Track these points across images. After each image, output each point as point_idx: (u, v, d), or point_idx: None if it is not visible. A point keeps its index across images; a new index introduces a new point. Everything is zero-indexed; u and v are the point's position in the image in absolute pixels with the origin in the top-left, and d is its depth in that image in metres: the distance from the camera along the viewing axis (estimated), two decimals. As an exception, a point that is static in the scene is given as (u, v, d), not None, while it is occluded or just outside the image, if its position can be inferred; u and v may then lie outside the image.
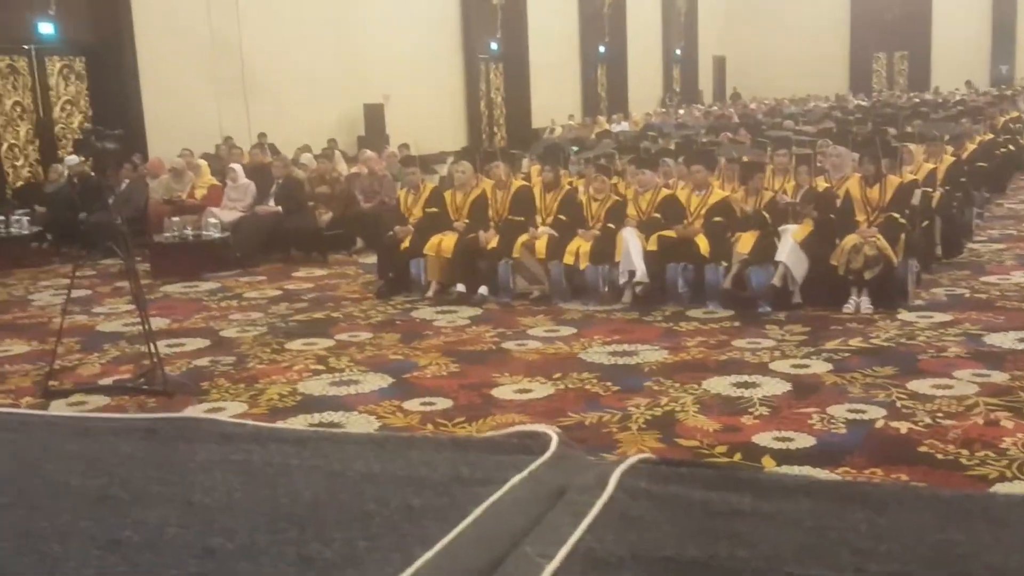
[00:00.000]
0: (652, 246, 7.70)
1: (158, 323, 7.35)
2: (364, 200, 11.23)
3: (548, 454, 1.19)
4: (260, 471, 1.23)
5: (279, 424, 5.10)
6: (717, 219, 7.77)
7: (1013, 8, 30.44)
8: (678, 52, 30.64)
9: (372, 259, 9.52)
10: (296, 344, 6.85)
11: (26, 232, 10.93)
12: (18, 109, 13.92)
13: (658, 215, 7.99)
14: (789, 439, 4.62)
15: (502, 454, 1.22)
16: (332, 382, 5.88)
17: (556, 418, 5.04)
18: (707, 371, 5.81)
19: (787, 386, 5.46)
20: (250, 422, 1.31)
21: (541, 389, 5.59)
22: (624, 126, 20.79)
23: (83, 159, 11.50)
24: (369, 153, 13.46)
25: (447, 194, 8.86)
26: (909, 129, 11.82)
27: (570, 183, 9.10)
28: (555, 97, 23.17)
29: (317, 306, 8.19)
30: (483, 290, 8.13)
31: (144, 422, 1.51)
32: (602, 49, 26.28)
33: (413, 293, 8.40)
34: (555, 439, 1.24)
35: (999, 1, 30.53)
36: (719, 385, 5.52)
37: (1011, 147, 14.52)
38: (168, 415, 1.41)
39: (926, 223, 8.18)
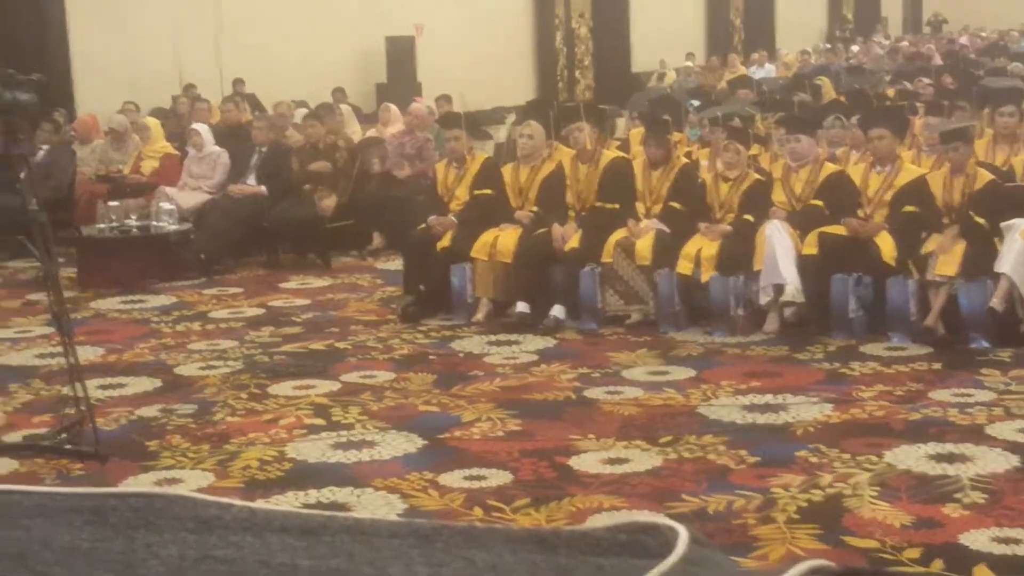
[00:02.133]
0: (810, 248, 7.65)
1: (87, 354, 7.48)
2: (391, 169, 11.31)
3: (674, 558, 1.19)
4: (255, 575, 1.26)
5: (273, 505, 5.17)
6: (909, 209, 7.70)
7: None
8: (851, -40, 30.45)
9: (396, 264, 9.59)
10: (284, 388, 6.92)
11: (-99, 221, 11.20)
12: None
13: (819, 202, 7.95)
14: (1015, 540, 4.56)
15: (606, 556, 1.21)
16: (336, 443, 5.93)
17: (664, 502, 5.03)
18: (891, 436, 5.75)
19: (1013, 461, 5.38)
20: (238, 502, 1.34)
21: (642, 459, 5.57)
22: (770, 70, 20.69)
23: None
24: (392, 108, 13.61)
25: (506, 169, 8.90)
26: None
27: (688, 154, 9.08)
28: (666, 27, 23.14)
29: (315, 332, 8.27)
30: (557, 311, 8.14)
31: (87, 499, 1.54)
32: (737, -44, 26.23)
33: (455, 315, 8.44)
34: (683, 536, 1.24)
35: None
36: (909, 457, 5.45)
37: None
38: (121, 490, 1.44)
39: None
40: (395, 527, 1.27)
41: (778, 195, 8.10)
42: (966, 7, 30.66)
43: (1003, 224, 7.38)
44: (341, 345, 7.89)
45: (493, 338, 7.90)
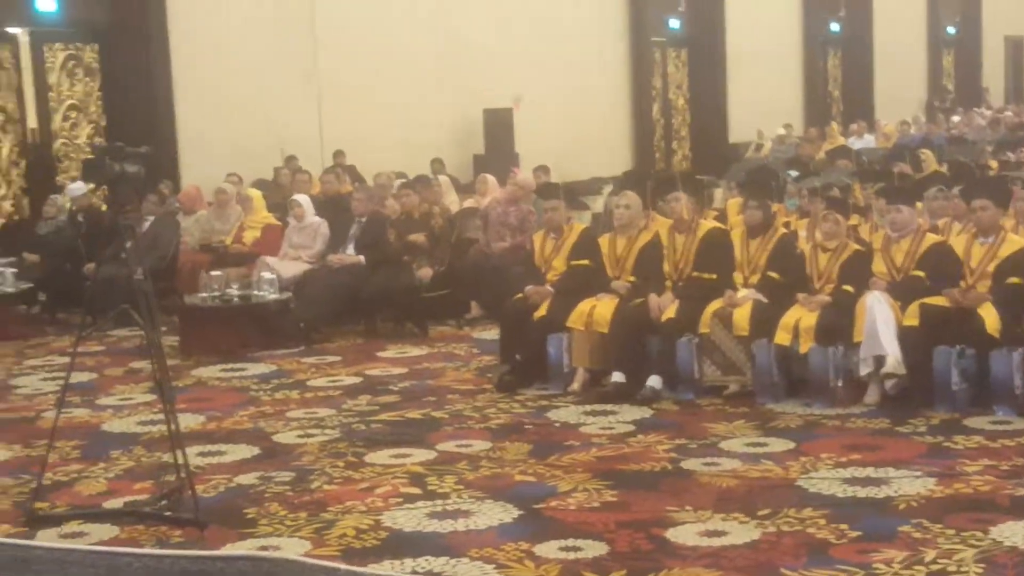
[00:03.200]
0: (912, 320, 7.56)
1: (188, 421, 7.60)
2: (491, 239, 11.36)
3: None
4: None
5: (376, 570, 5.21)
6: (1013, 280, 7.59)
7: None
8: (951, 31, 30.20)
9: (493, 333, 9.63)
10: (381, 456, 6.96)
11: (10, 290, 11.43)
12: (-1, 117, 14.71)
13: (921, 273, 7.86)
14: None
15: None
16: (432, 512, 5.94)
17: (763, 576, 4.97)
18: (997, 512, 5.65)
19: (1125, 539, 5.25)
20: (343, 566, 1.36)
21: (740, 532, 5.52)
22: (868, 140, 20.55)
23: (92, 188, 12.07)
24: (490, 179, 13.70)
25: (603, 240, 8.92)
26: None
27: (786, 224, 9.03)
28: (763, 97, 23.12)
29: (412, 401, 8.31)
30: (654, 381, 8.11)
31: (195, 562, 1.57)
32: (834, 28, 26.17)
33: (551, 384, 8.45)
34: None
35: None
36: (1016, 534, 5.35)
37: None
38: (228, 554, 1.47)
39: None
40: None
41: (878, 266, 8.03)
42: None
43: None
44: (437, 414, 7.92)
45: (589, 408, 7.89)
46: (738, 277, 8.37)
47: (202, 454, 7.02)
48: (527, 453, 6.93)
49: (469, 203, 13.25)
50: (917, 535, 5.39)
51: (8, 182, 14.71)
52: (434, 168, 16.06)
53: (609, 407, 7.88)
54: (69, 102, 15.00)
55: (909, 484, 6.11)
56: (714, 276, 8.36)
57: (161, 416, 6.13)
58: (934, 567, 5.02)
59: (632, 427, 7.42)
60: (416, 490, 6.29)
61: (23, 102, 14.81)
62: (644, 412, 7.75)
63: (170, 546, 5.53)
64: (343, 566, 5.24)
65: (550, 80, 19.09)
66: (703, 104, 22.88)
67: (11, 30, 14.72)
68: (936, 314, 7.56)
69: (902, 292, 7.75)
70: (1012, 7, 31.20)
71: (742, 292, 8.22)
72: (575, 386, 8.34)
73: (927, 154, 14.32)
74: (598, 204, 14.88)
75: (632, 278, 8.59)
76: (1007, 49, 32.45)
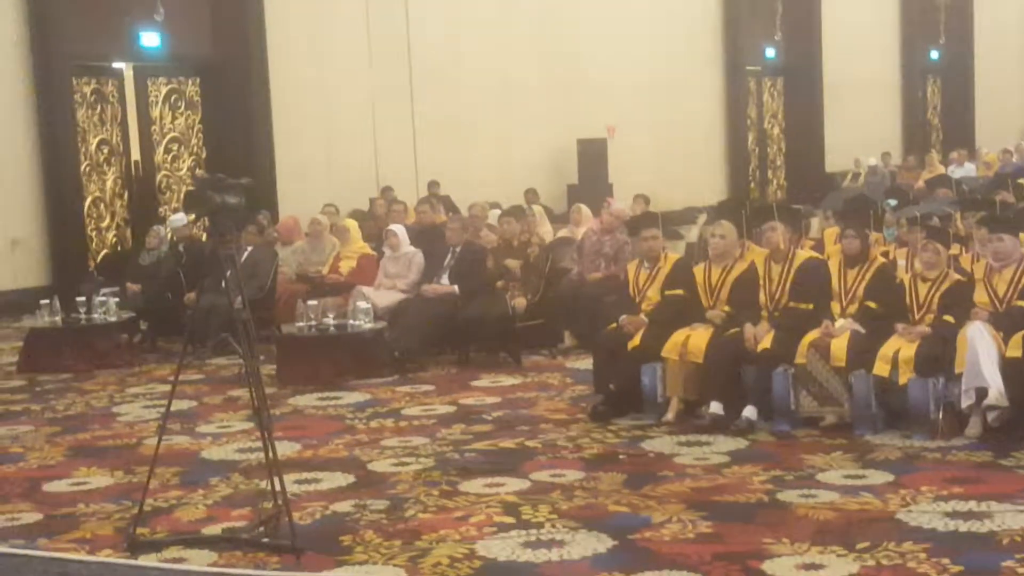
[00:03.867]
0: (1015, 351, 7.43)
1: (285, 449, 7.68)
2: (585, 269, 11.38)
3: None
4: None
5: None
6: (1120, 310, 7.42)
7: None
8: (1054, 56, 29.69)
9: (587, 363, 9.62)
10: (475, 485, 6.98)
11: (113, 319, 11.59)
12: (104, 150, 15.04)
13: None
14: None
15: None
16: (525, 542, 5.94)
17: (862, 611, 4.91)
18: (1104, 548, 5.53)
19: None
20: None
21: (838, 565, 5.46)
22: (969, 169, 20.24)
23: (193, 218, 12.28)
24: (584, 209, 13.71)
25: (698, 269, 8.89)
26: None
27: (885, 254, 8.92)
28: (862, 126, 22.93)
29: (506, 430, 8.33)
30: (750, 412, 8.05)
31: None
32: (934, 55, 25.89)
33: (645, 414, 8.42)
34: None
35: None
36: (1125, 571, 5.22)
37: None
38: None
39: None
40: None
41: (980, 296, 7.90)
42: None
43: None
44: (531, 443, 7.92)
45: (684, 438, 7.85)
46: (835, 307, 8.29)
47: (298, 481, 7.09)
48: (621, 483, 6.91)
49: (563, 233, 13.27)
50: (1021, 571, 5.29)
51: (112, 213, 15.05)
52: (528, 198, 16.12)
53: (704, 438, 7.83)
54: (171, 135, 15.34)
55: (1012, 518, 5.99)
56: (810, 306, 8.29)
57: (259, 444, 6.20)
58: (1039, 604, 4.93)
59: (727, 458, 7.37)
60: (510, 519, 6.30)
61: (127, 135, 15.17)
62: (739, 443, 7.69)
63: (269, 570, 5.59)
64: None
65: (644, 109, 19.12)
66: (798, 133, 22.74)
67: (116, 65, 15.08)
68: (1040, 345, 7.42)
69: (1005, 323, 7.62)
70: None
71: (839, 322, 8.13)
72: (669, 416, 8.30)
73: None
74: (692, 234, 14.82)
75: (727, 308, 8.54)
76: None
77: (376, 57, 16.22)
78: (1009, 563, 5.37)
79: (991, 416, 7.45)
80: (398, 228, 11.87)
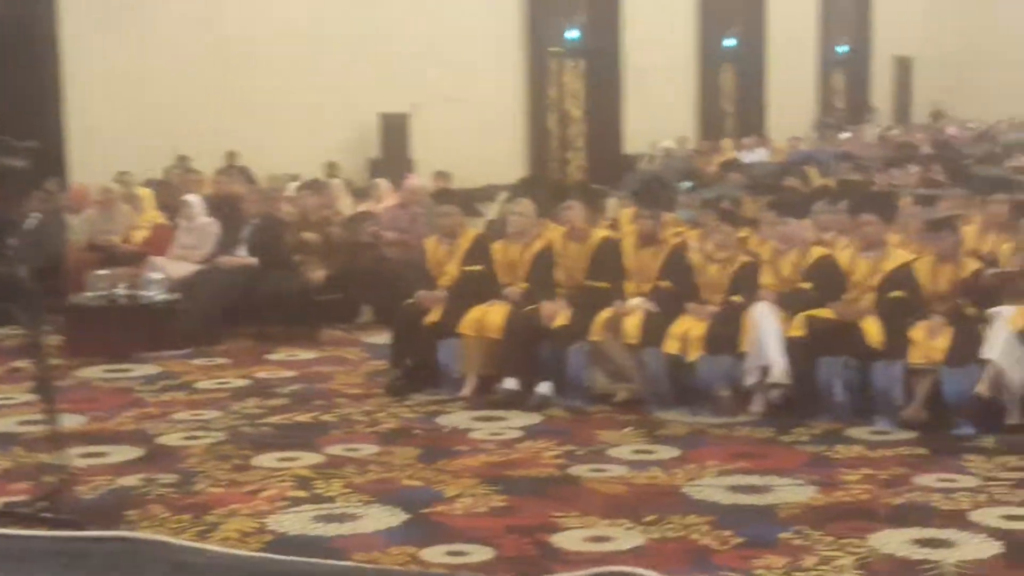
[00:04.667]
0: (797, 331, 7.68)
1: (71, 422, 7.45)
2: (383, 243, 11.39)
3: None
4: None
5: (258, 553, 5.18)
6: (896, 294, 7.74)
7: None
8: (841, 51, 30.74)
9: (385, 338, 9.60)
10: (268, 459, 6.90)
11: None
12: None
13: (807, 285, 7.98)
14: (999, 627, 4.53)
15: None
16: (318, 516, 5.90)
17: (647, 581, 5.00)
18: (875, 520, 5.75)
19: (996, 547, 5.37)
20: (212, 547, 1.35)
21: (626, 538, 5.56)
22: (760, 154, 20.83)
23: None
24: (384, 184, 13.67)
25: (496, 246, 8.95)
26: None
27: (678, 235, 9.11)
28: (659, 110, 23.33)
29: (301, 404, 8.25)
30: (545, 388, 8.15)
31: (69, 543, 1.56)
32: (730, 43, 26.49)
33: (442, 389, 8.45)
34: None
35: None
36: (893, 542, 5.45)
37: None
38: (99, 534, 1.46)
39: None
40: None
41: (767, 277, 8.14)
42: (955, 99, 30.95)
43: (989, 311, 7.41)
44: (326, 418, 7.88)
45: (479, 414, 7.89)
46: (629, 286, 8.44)
47: (84, 455, 6.89)
48: (415, 458, 6.92)
49: (363, 207, 13.21)
50: (798, 542, 5.46)
51: None
52: (328, 172, 15.98)
53: (499, 413, 7.90)
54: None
55: (791, 492, 6.20)
56: (606, 284, 8.42)
57: (42, 416, 6.00)
58: (813, 573, 5.10)
59: (521, 433, 7.44)
60: (302, 493, 6.25)
61: None
62: (534, 418, 7.77)
63: (48, 548, 5.44)
64: (212, 547, 5.23)
65: (447, 87, 19.10)
66: (599, 115, 23.01)
67: None
68: (821, 326, 7.68)
69: (789, 304, 7.86)
70: (901, 28, 31.86)
71: (633, 300, 8.28)
72: (466, 392, 8.35)
73: (813, 170, 14.59)
74: (493, 211, 14.90)
75: (525, 285, 8.62)
76: (896, 68, 33.11)
77: (175, 24, 15.82)
78: (786, 535, 5.55)
79: (774, 394, 7.69)
80: (193, 198, 11.65)
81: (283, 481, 6.47)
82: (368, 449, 7.11)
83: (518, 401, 8.08)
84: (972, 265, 7.74)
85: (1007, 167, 14.24)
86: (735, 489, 6.27)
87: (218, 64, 16.28)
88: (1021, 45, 31.67)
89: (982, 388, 7.17)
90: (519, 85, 21.37)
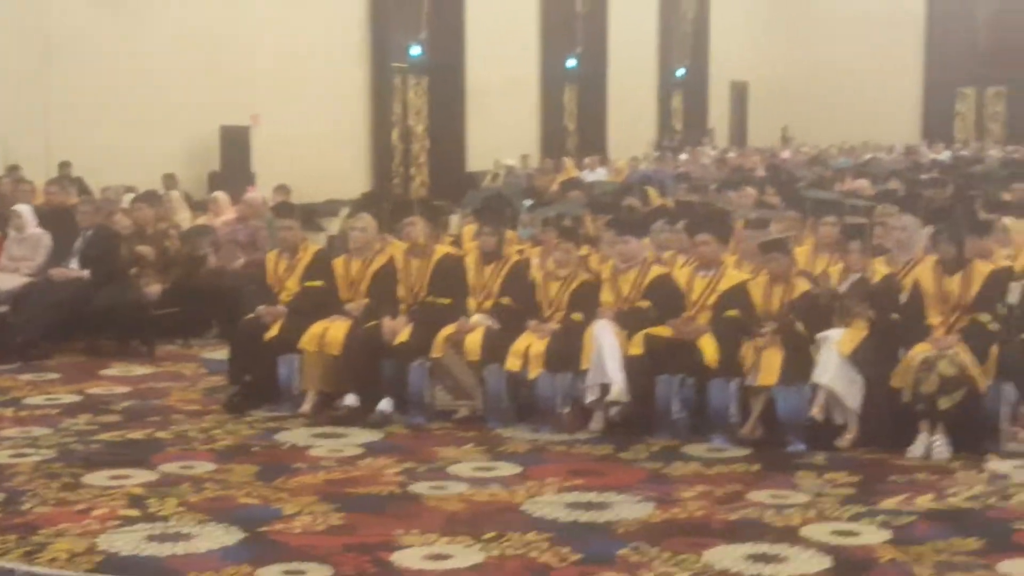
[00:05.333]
0: (636, 349, 7.76)
1: None
2: (222, 258, 11.21)
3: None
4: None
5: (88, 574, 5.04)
6: (731, 313, 7.88)
7: None
8: (680, 74, 31.36)
9: (224, 353, 9.44)
10: (99, 477, 6.73)
11: None
12: None
13: (646, 304, 8.08)
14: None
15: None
16: (150, 535, 5.77)
17: (486, 599, 5.01)
18: (710, 536, 5.83)
19: (826, 561, 5.49)
20: (40, 569, 1.31)
21: (465, 555, 5.54)
22: (601, 174, 21.11)
23: None
24: (222, 198, 13.48)
25: (338, 262, 8.87)
26: (1006, 196, 12.17)
27: (520, 252, 9.16)
28: (503, 128, 23.50)
29: (135, 421, 8.08)
30: (385, 404, 8.10)
31: None
32: (572, 63, 26.80)
33: (281, 406, 8.34)
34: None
35: None
36: (727, 557, 5.52)
37: None
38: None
39: (1028, 331, 8.38)
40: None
41: (606, 295, 8.21)
42: (788, 121, 31.83)
43: (819, 335, 7.57)
44: (161, 435, 7.72)
45: (319, 430, 7.82)
46: (471, 302, 8.45)
47: (-97, 474, 6.64)
48: (253, 475, 6.81)
49: (201, 220, 13.01)
50: (635, 558, 5.51)
51: None
52: (166, 183, 15.71)
53: (339, 430, 7.83)
54: None
55: (629, 509, 6.25)
56: (447, 301, 8.42)
57: None
58: (650, 589, 5.16)
59: (361, 450, 7.38)
60: (135, 512, 6.11)
61: None
62: (374, 435, 7.72)
63: None
64: (40, 569, 5.13)
65: (290, 100, 18.95)
66: (442, 132, 23.09)
67: None
68: (659, 344, 7.78)
69: (628, 321, 7.94)
70: (736, 53, 32.69)
71: (475, 317, 8.29)
72: (306, 408, 8.25)
73: (652, 190, 14.82)
74: (335, 226, 14.82)
75: (366, 301, 8.57)
76: (732, 93, 33.91)
77: (4, 31, 15.40)
78: (624, 551, 5.59)
79: (613, 411, 7.75)
80: (24, 208, 11.31)
81: (115, 500, 6.31)
82: (204, 467, 6.98)
83: (359, 418, 8.02)
84: (803, 285, 7.92)
85: (837, 190, 14.66)
86: (574, 506, 6.29)
87: (53, 73, 15.91)
88: (848, 73, 32.77)
89: (816, 411, 7.33)
90: (362, 100, 21.32)
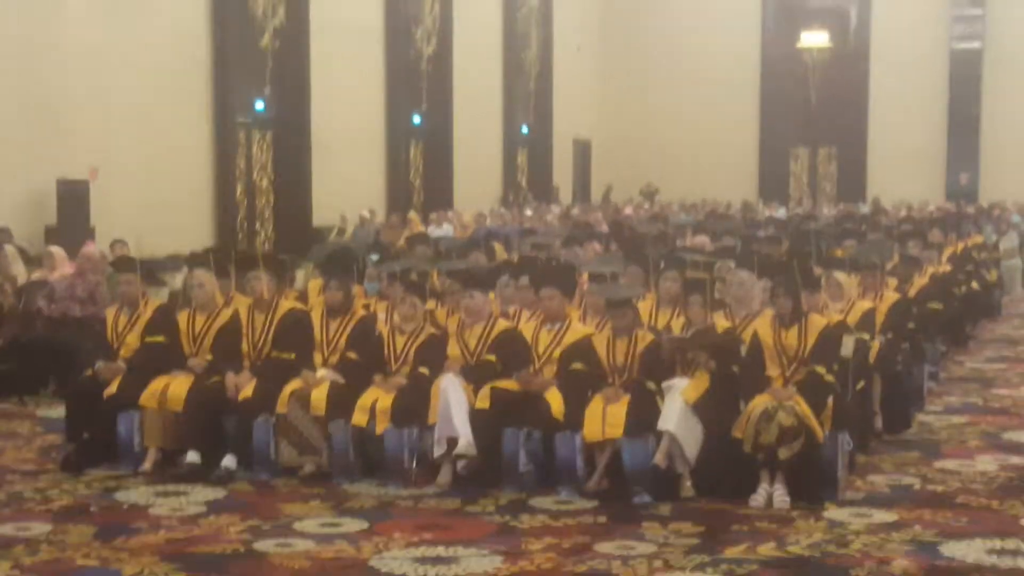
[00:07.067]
0: (483, 402, 7.78)
1: None
2: (58, 312, 10.98)
3: None
4: None
5: None
6: (576, 366, 7.95)
7: (976, 98, 33.01)
8: (525, 131, 31.70)
9: (60, 411, 9.19)
10: (-72, 540, 6.50)
11: None
12: None
13: (492, 357, 8.11)
14: None
15: None
16: (-17, 600, 5.59)
17: (333, 657, 4.95)
18: (558, 588, 5.84)
19: (672, 611, 5.55)
20: None
21: (311, 613, 5.48)
22: (447, 229, 21.18)
23: None
24: (57, 252, 13.17)
25: (181, 316, 8.74)
26: (839, 253, 12.52)
27: (366, 307, 9.12)
28: (349, 183, 23.44)
29: (-34, 481, 7.82)
30: (229, 461, 7.98)
31: None
32: (417, 119, 26.89)
33: (121, 464, 8.16)
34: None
35: (957, 87, 33.08)
36: (575, 608, 5.55)
37: (975, 284, 15.50)
38: None
39: (861, 384, 8.62)
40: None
41: (453, 349, 8.23)
42: (628, 179, 32.43)
43: (664, 384, 7.71)
44: (-6, 495, 7.49)
45: (160, 488, 7.67)
46: (317, 357, 8.40)
47: None
48: (91, 536, 6.65)
49: (37, 275, 12.68)
50: (483, 612, 5.51)
51: None
52: (0, 237, 15.25)
53: (182, 487, 7.69)
54: None
55: (477, 562, 6.25)
56: (292, 355, 8.35)
57: None
58: (499, 643, 5.15)
59: (204, 508, 7.26)
60: (-34, 576, 5.91)
61: None
62: (217, 492, 7.60)
63: None
64: None
65: (131, 154, 18.61)
66: (287, 186, 22.90)
67: None
68: (506, 397, 7.82)
69: (475, 375, 7.98)
70: (578, 112, 33.24)
71: (320, 372, 8.24)
72: (146, 466, 8.09)
73: (498, 245, 14.92)
74: (177, 281, 14.56)
75: (209, 357, 8.45)
76: (575, 150, 34.39)
77: None
78: (473, 605, 5.60)
79: (460, 465, 7.76)
80: None
81: (-55, 564, 6.10)
82: (40, 528, 6.79)
83: (201, 475, 7.88)
84: (647, 338, 8.05)
85: (678, 246, 14.93)
86: (422, 560, 6.28)
87: None
88: (688, 131, 33.54)
89: (659, 458, 7.43)
90: (206, 154, 21.05)
